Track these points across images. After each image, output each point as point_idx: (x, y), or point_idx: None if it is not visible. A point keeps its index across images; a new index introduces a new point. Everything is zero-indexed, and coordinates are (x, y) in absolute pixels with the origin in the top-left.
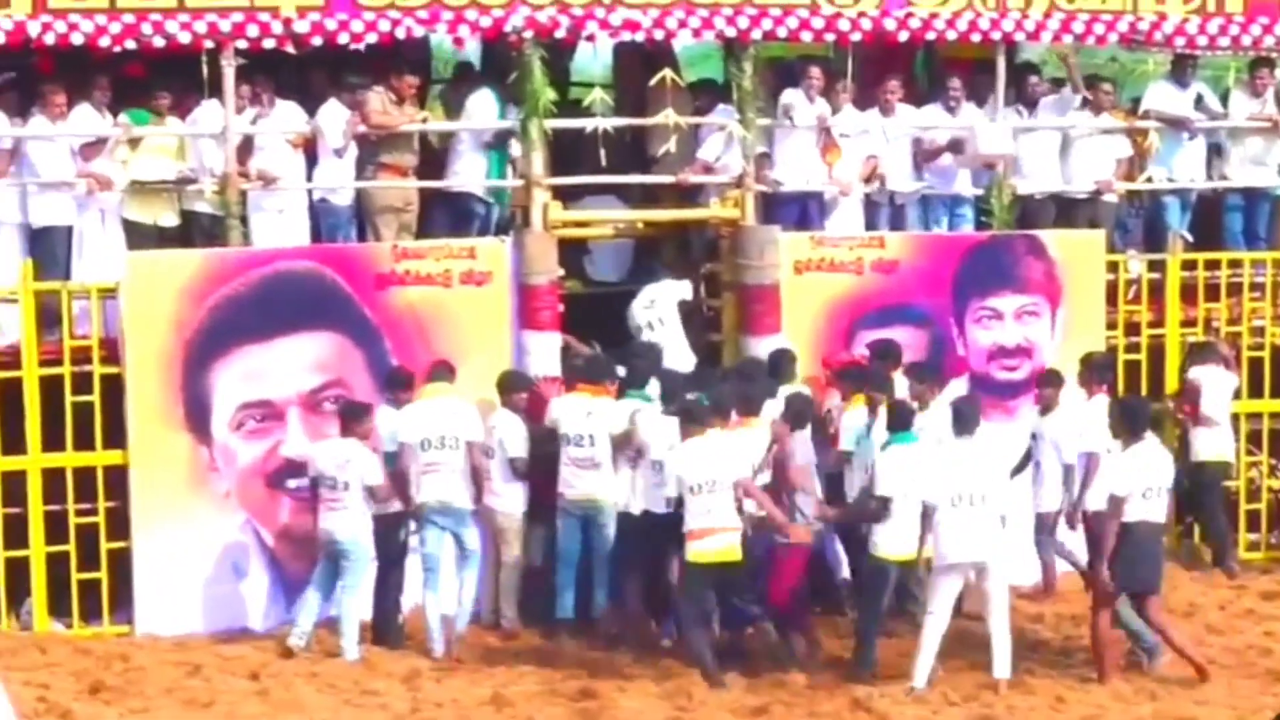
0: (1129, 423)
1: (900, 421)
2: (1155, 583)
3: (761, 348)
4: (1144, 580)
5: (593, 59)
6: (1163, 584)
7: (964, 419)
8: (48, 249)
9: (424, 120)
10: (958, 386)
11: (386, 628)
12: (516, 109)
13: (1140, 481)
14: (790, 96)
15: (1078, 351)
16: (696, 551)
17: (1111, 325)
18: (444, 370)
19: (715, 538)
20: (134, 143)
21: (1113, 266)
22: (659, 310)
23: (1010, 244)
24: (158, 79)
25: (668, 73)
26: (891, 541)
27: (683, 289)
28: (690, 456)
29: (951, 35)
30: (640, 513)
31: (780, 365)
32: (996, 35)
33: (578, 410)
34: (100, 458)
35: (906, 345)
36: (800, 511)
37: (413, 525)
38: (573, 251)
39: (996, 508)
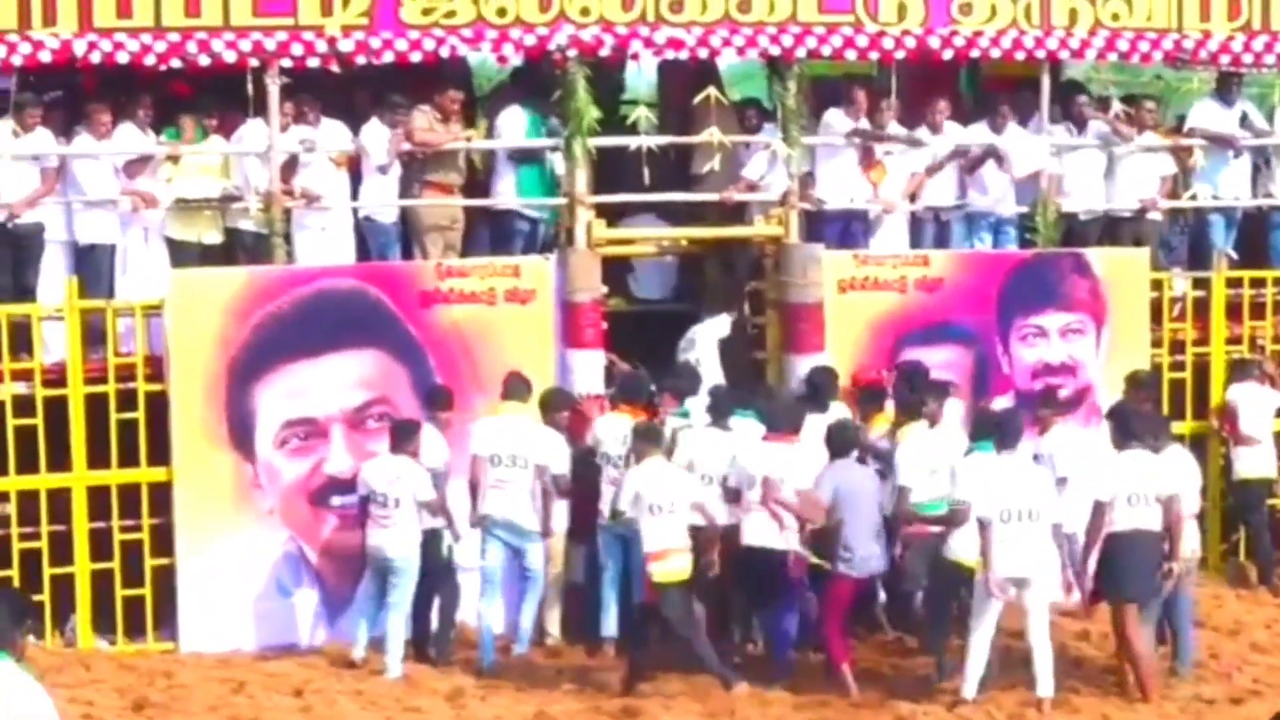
0: (1118, 430)
1: (983, 430)
2: (1138, 593)
3: (805, 366)
4: (1126, 589)
5: (638, 77)
6: (1149, 595)
7: (1006, 433)
8: (92, 267)
9: (468, 139)
10: (955, 404)
11: (429, 643)
12: (544, 124)
13: (1125, 488)
14: (832, 116)
15: (1122, 369)
16: (662, 572)
17: (1156, 343)
18: (521, 387)
19: (675, 558)
20: (177, 161)
21: (1157, 284)
22: (698, 350)
23: (1055, 262)
24: (203, 98)
25: (712, 91)
26: (966, 547)
27: (721, 327)
28: (648, 477)
29: (995, 53)
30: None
31: (824, 385)
32: (1041, 53)
33: (617, 430)
34: (145, 475)
35: (951, 363)
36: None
37: (450, 540)
38: (616, 269)
39: (1044, 523)
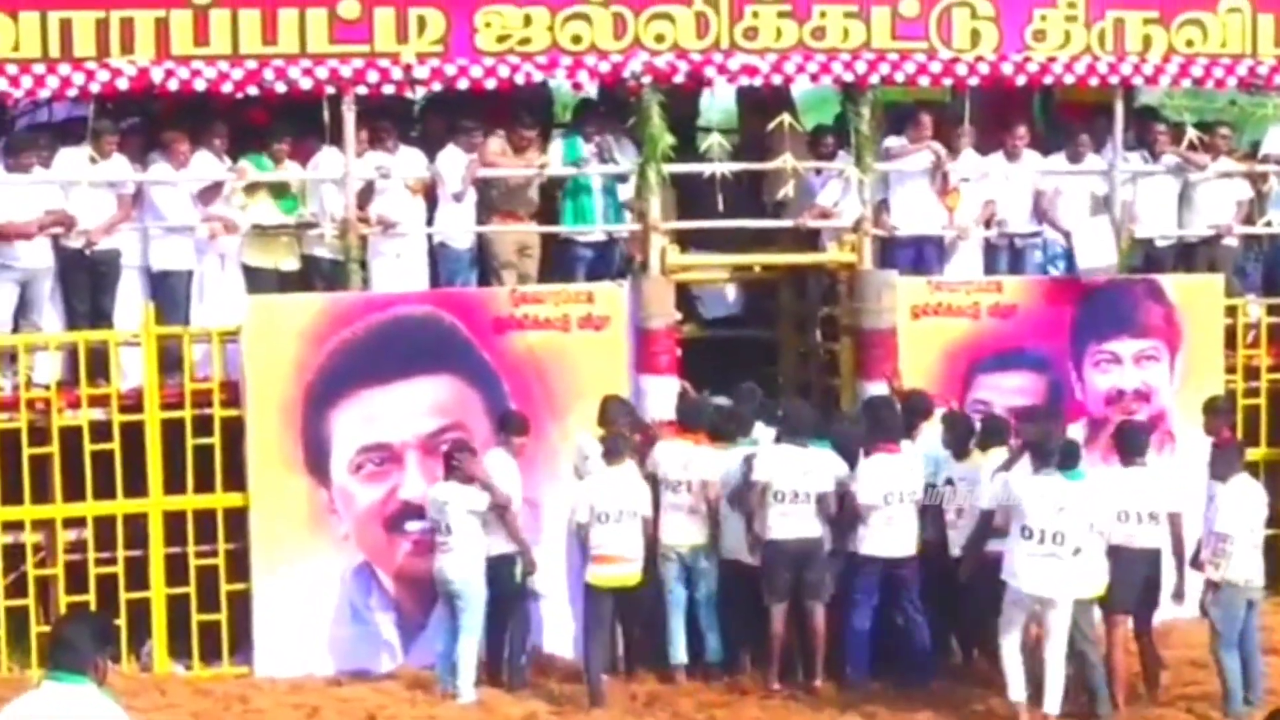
0: (1122, 448)
1: (1045, 457)
2: (1126, 604)
3: (877, 392)
4: (1115, 601)
5: (712, 104)
6: (1142, 609)
7: (1042, 454)
8: (169, 293)
9: (541, 166)
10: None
11: (501, 668)
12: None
13: (1119, 504)
14: (892, 142)
15: (1196, 396)
16: (598, 575)
17: (1230, 369)
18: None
19: (619, 565)
20: (252, 188)
21: (1232, 310)
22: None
23: (1129, 288)
24: (279, 125)
25: (786, 118)
26: None
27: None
28: (601, 486)
29: (1069, 79)
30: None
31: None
32: (1114, 80)
33: (678, 457)
34: (220, 500)
35: (1024, 390)
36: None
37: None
38: (681, 291)
39: (1071, 545)
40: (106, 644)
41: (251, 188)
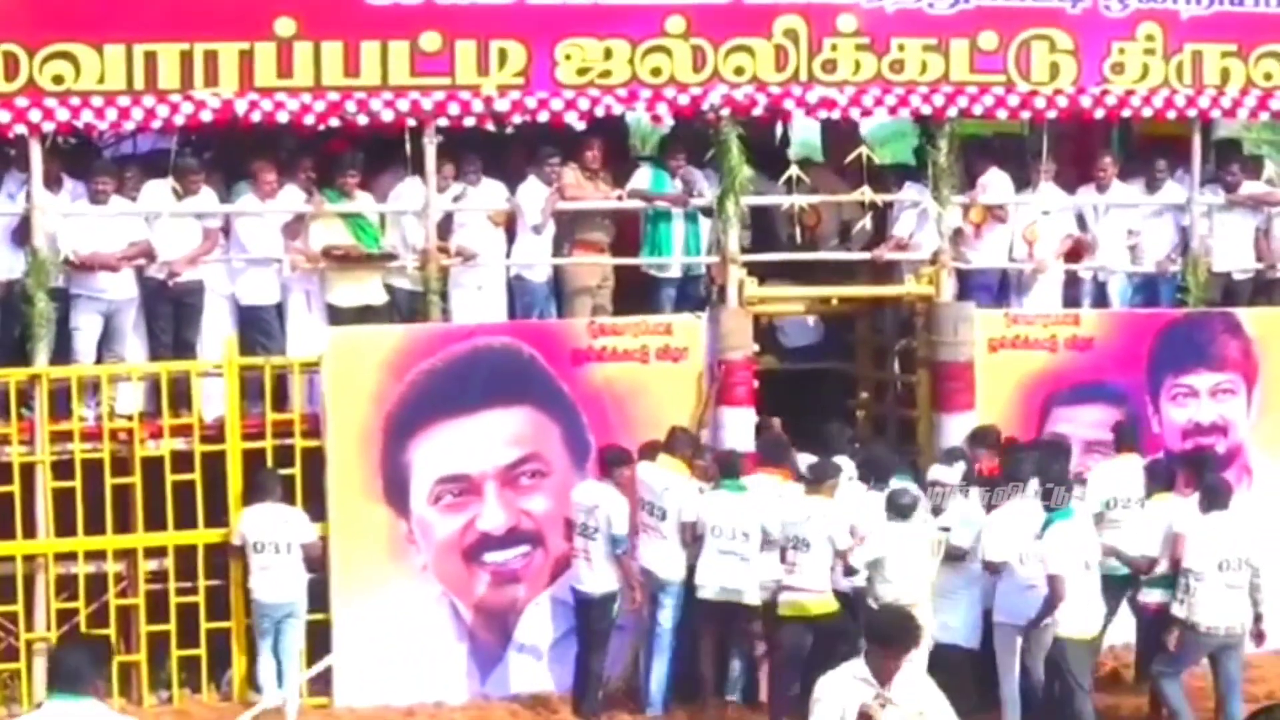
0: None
1: (1058, 500)
2: None
3: (954, 425)
4: None
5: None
6: None
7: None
8: (258, 325)
9: (619, 197)
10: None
11: (584, 697)
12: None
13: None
14: (992, 177)
15: (1273, 429)
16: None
17: None
18: (683, 441)
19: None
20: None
21: None
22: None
23: (1206, 321)
24: (348, 157)
25: (863, 150)
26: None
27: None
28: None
29: (1147, 112)
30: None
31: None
32: (1192, 113)
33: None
34: None
35: (1101, 423)
36: None
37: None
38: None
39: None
40: (104, 666)
41: (327, 221)
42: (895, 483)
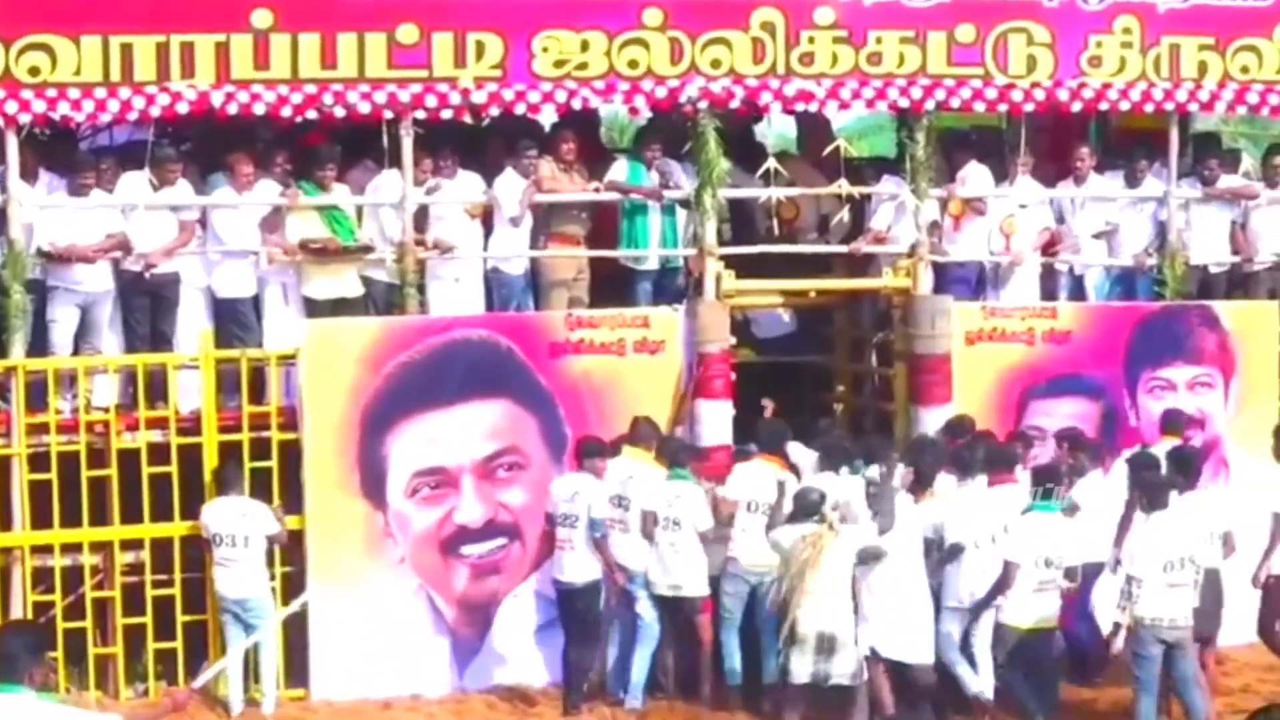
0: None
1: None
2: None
3: (932, 418)
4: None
5: (769, 128)
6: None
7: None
8: (234, 318)
9: (596, 189)
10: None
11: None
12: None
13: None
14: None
15: (1251, 422)
16: None
17: None
18: (648, 432)
19: None
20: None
21: None
22: None
23: (1183, 315)
24: (324, 150)
25: (841, 143)
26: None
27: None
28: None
29: (1125, 106)
30: None
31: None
32: (1169, 106)
33: (762, 479)
34: None
35: (1078, 416)
36: None
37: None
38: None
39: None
40: (41, 653)
41: (304, 214)
42: (811, 480)
